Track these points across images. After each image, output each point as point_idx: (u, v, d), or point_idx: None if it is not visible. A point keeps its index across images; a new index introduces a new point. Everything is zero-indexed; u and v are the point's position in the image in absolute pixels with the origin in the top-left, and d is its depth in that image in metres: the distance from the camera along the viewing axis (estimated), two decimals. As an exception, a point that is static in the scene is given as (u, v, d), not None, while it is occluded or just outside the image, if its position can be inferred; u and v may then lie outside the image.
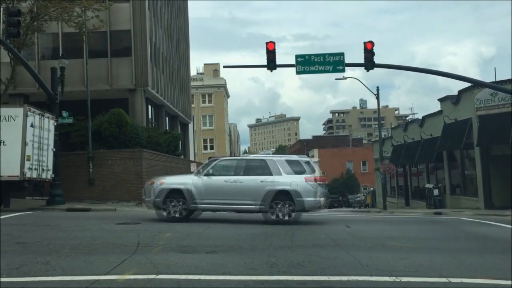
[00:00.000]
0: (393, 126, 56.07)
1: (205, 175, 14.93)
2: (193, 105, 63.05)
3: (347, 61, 23.39)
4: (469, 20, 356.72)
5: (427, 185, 33.52)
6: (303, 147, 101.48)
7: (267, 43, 23.13)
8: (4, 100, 24.98)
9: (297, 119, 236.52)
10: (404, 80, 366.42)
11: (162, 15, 36.47)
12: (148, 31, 30.97)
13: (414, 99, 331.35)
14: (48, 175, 20.56)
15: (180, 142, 37.84)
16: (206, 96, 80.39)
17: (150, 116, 33.52)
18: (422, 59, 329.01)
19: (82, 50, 27.24)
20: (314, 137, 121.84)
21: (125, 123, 25.98)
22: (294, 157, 15.70)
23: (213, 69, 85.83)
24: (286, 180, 14.50)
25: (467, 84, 26.53)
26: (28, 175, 18.74)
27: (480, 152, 26.87)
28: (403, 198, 40.67)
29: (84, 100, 25.43)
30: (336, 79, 40.42)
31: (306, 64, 23.25)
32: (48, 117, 20.49)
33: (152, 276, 6.80)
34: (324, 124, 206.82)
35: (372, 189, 57.19)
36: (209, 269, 7.36)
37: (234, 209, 15.16)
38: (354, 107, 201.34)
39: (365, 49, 22.68)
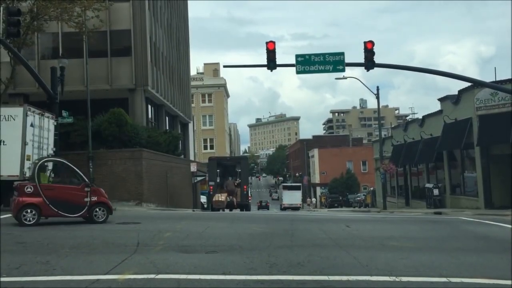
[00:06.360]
0: (393, 126, 56.02)
1: None
2: (193, 105, 63.04)
3: (346, 61, 23.35)
4: (468, 20, 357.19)
5: (427, 185, 33.49)
6: (303, 146, 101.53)
7: (267, 43, 23.05)
8: (4, 99, 24.95)
9: (297, 119, 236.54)
10: (403, 80, 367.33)
11: (162, 15, 36.45)
12: (148, 31, 30.95)
13: (414, 99, 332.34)
14: (48, 174, 20.50)
15: (180, 142, 37.83)
16: (206, 96, 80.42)
17: (150, 116, 33.51)
18: (421, 58, 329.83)
19: (82, 50, 27.20)
20: (314, 136, 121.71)
21: (125, 122, 25.97)
22: None
23: (213, 68, 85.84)
24: None
25: (467, 84, 26.47)
26: (28, 174, 18.68)
27: (480, 152, 26.84)
28: (403, 198, 40.60)
29: (84, 99, 25.39)
30: (336, 78, 40.34)
31: (306, 63, 23.19)
32: (48, 117, 20.46)
33: (152, 276, 6.80)
34: (324, 124, 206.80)
35: (372, 189, 57.16)
36: (209, 269, 7.36)
37: None
38: (354, 107, 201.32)
39: (365, 48, 22.62)
